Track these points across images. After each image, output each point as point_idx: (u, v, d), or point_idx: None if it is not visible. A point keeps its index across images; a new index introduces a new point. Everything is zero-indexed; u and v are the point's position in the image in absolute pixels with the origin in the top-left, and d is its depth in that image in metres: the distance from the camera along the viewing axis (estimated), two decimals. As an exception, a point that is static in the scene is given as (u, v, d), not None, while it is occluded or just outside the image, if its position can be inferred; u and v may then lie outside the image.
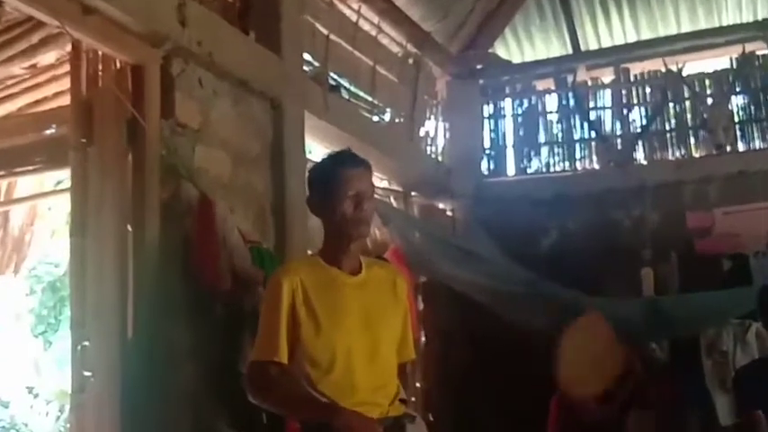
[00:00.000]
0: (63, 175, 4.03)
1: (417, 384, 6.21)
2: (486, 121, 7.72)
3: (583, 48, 7.69)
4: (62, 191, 4.25)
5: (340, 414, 2.48)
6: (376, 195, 5.83)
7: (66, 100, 3.68)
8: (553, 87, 7.62)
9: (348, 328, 2.66)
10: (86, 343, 3.24)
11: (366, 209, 2.71)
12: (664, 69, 6.98)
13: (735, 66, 6.94)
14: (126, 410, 3.18)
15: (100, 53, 3.42)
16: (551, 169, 7.47)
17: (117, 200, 3.31)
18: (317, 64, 5.15)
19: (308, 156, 4.74)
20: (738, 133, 6.84)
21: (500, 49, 7.80)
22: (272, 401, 2.66)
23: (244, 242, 3.65)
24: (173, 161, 3.48)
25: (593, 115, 7.34)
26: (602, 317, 5.12)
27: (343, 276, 2.73)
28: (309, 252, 4.41)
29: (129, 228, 3.33)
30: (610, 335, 4.96)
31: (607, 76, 7.47)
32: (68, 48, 3.53)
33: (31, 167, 4.07)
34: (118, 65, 3.43)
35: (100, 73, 3.43)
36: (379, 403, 2.65)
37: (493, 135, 7.72)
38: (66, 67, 3.69)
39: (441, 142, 7.33)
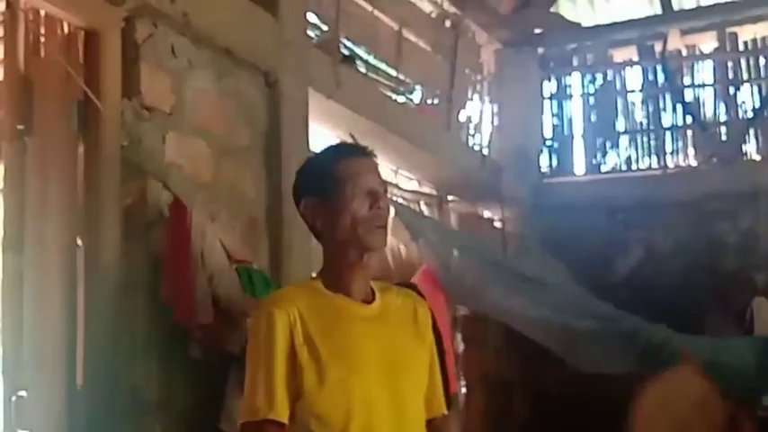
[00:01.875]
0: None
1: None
2: (547, 103, 7.72)
3: (676, 6, 7.67)
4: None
5: None
6: (402, 200, 5.92)
7: (-2, 74, 3.70)
8: (636, 58, 7.60)
9: (363, 374, 2.63)
10: (23, 393, 3.24)
11: (383, 207, 2.70)
12: (784, 35, 6.95)
13: None
14: (74, 482, 3.19)
15: (42, 13, 3.43)
16: (633, 167, 7.46)
17: (64, 205, 3.32)
18: (324, 27, 5.16)
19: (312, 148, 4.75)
20: None
21: (565, 8, 7.81)
22: None
23: (230, 261, 3.65)
24: (137, 154, 3.49)
25: (688, 95, 7.32)
26: (700, 366, 5.09)
27: (352, 306, 2.69)
28: (314, 275, 4.45)
29: (80, 242, 3.34)
30: (708, 392, 4.94)
31: (708, 43, 7.44)
32: (0, 6, 3.55)
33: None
34: (66, 29, 3.44)
35: (42, 39, 3.44)
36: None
37: (556, 121, 7.74)
38: (-1, 31, 3.72)
39: (487, 130, 7.33)
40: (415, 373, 2.73)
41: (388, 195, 2.76)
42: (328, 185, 2.68)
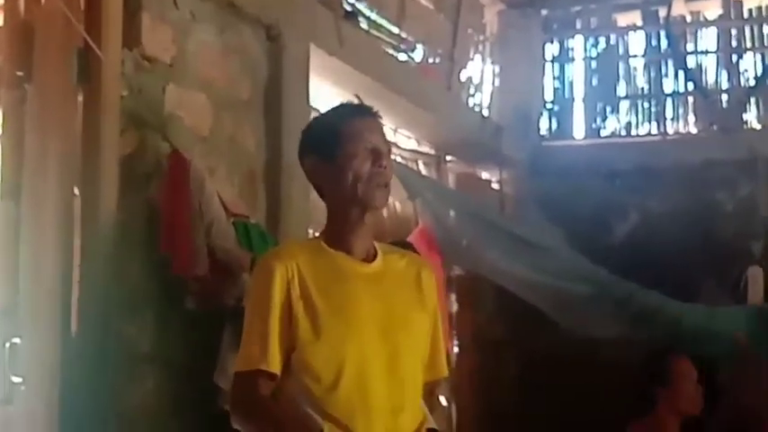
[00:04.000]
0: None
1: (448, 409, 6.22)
2: (548, 66, 7.69)
3: (681, -29, 7.62)
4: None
5: None
6: (401, 159, 5.91)
7: (-3, 20, 3.68)
8: (639, 23, 7.57)
9: (359, 331, 2.65)
10: (17, 340, 3.24)
11: (386, 166, 2.71)
12: (789, 3, 6.91)
13: None
14: (66, 428, 3.18)
15: (44, -41, 3.42)
16: (633, 132, 7.45)
17: (62, 154, 3.30)
18: (328, -17, 5.13)
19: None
20: None
21: (570, -30, 7.75)
22: (257, 429, 2.66)
23: (227, 215, 3.65)
24: (137, 105, 3.47)
25: (691, 62, 7.30)
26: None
27: (352, 264, 2.71)
28: (311, 231, 4.45)
29: (77, 191, 3.33)
30: None
31: (712, 9, 7.41)
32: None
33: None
34: (68, -25, 3.42)
35: (44, -14, 3.43)
36: (401, 430, 2.65)
37: (557, 84, 7.71)
38: (-2, -23, 3.69)
39: (488, 91, 7.31)
40: (412, 335, 2.74)
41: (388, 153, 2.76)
42: (332, 143, 2.70)
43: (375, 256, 2.76)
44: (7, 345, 3.25)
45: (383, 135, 2.77)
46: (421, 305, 2.81)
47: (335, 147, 2.69)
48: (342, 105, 2.89)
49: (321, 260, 2.70)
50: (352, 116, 2.76)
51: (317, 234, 2.87)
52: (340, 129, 2.71)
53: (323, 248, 2.72)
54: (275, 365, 2.62)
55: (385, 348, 2.66)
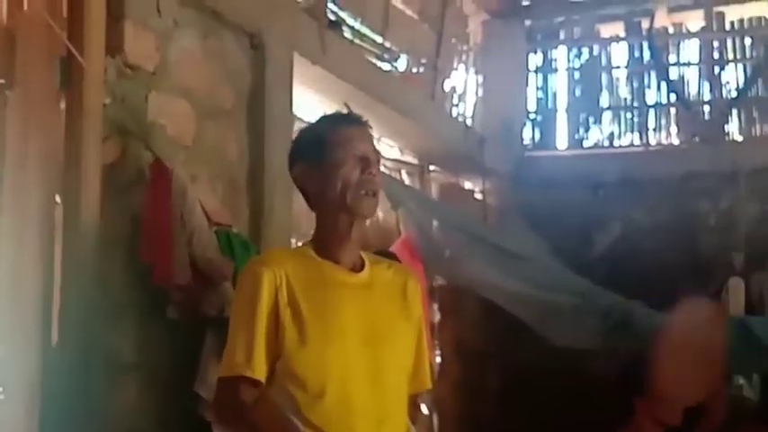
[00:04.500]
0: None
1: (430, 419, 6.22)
2: (532, 76, 7.71)
3: (664, -17, 7.66)
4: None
5: None
6: (384, 168, 5.90)
7: (-21, 27, 3.66)
8: (623, 34, 7.60)
9: (343, 340, 2.65)
10: (-4, 349, 3.24)
11: (375, 174, 2.71)
12: (770, 16, 6.94)
13: None
14: (46, 440, 3.18)
15: (27, -35, 3.40)
16: (616, 143, 7.47)
17: (44, 162, 3.28)
18: (312, -9, 5.13)
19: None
20: None
21: (554, -19, 7.78)
22: None
23: (209, 224, 3.64)
24: (119, 113, 3.46)
25: (673, 73, 7.33)
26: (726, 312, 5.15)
27: (340, 273, 2.72)
28: (294, 241, 4.45)
29: (58, 199, 3.31)
30: (721, 338, 4.97)
31: (695, 21, 7.44)
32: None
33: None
34: (50, -18, 3.41)
35: (26, -7, 3.41)
36: (383, 443, 2.65)
37: (540, 94, 7.74)
38: (-19, -16, 3.67)
39: (471, 101, 7.32)
40: (396, 346, 2.75)
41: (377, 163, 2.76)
42: (321, 151, 2.71)
43: (362, 266, 2.77)
44: (-14, 354, 3.23)
45: (372, 144, 2.78)
46: (406, 316, 2.81)
47: (324, 154, 2.70)
48: (332, 114, 2.91)
49: (309, 268, 2.70)
50: (342, 124, 2.77)
51: (301, 243, 2.87)
52: (329, 136, 2.72)
53: (311, 257, 2.73)
54: (259, 372, 2.61)
55: (369, 358, 2.66)
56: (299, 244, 3.10)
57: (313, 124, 2.90)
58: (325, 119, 2.89)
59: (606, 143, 7.52)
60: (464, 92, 7.24)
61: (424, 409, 5.96)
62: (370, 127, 2.82)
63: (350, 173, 2.67)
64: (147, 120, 3.60)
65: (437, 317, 6.37)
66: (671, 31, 7.46)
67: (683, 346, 4.92)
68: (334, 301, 2.67)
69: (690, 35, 7.46)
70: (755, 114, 7.12)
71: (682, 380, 4.87)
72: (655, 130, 7.42)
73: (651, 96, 7.47)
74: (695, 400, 4.99)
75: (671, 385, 4.86)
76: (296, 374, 2.60)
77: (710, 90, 7.32)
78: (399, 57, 6.29)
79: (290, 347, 2.61)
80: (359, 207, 2.69)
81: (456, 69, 7.12)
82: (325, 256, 2.72)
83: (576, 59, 7.75)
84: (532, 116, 7.68)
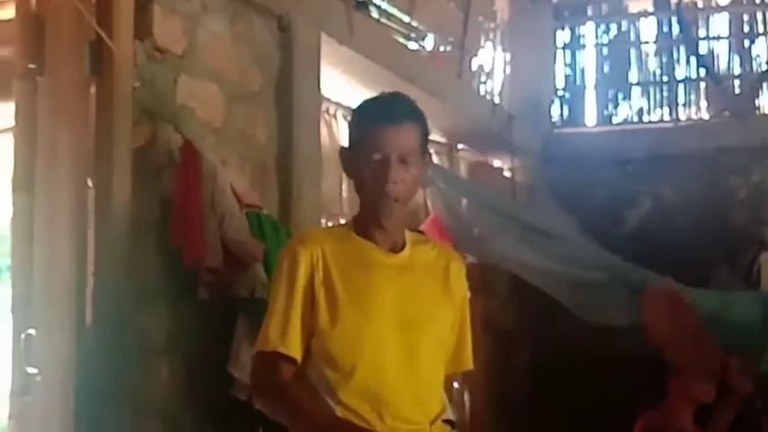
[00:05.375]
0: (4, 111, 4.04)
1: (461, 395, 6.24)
2: (560, 53, 7.68)
3: (693, -43, 7.60)
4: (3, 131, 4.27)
5: None
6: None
7: (10, 13, 3.69)
8: (651, 9, 7.55)
9: (377, 321, 2.65)
10: (32, 331, 3.26)
11: (395, 182, 2.67)
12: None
13: None
14: (81, 419, 3.20)
15: (55, -49, 3.42)
16: (645, 119, 7.43)
17: (75, 146, 3.32)
18: (339, -28, 5.12)
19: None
20: None
21: (582, -43, 7.73)
22: (280, 414, 2.67)
23: (240, 206, 3.65)
24: (149, 97, 3.47)
25: (703, 48, 7.27)
26: (673, 288, 5.16)
27: (378, 254, 2.71)
28: (324, 221, 4.46)
29: (90, 183, 3.34)
30: (693, 321, 4.97)
31: (724, -6, 7.38)
32: (14, -57, 3.53)
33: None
34: (79, -32, 3.42)
35: (55, -23, 3.44)
36: (417, 421, 2.66)
37: (569, 71, 7.70)
38: (11, -31, 3.70)
39: (499, 79, 7.30)
40: (433, 327, 2.74)
41: (410, 162, 2.66)
42: (354, 143, 2.71)
43: (403, 246, 2.77)
44: (23, 336, 3.27)
45: (409, 141, 2.68)
46: (447, 297, 2.81)
47: (356, 148, 2.70)
48: (371, 102, 2.78)
49: (347, 248, 2.71)
50: (375, 120, 2.67)
51: (335, 223, 2.88)
52: (360, 131, 2.70)
53: (350, 236, 2.73)
54: (293, 349, 2.63)
55: (404, 340, 2.67)
56: (330, 225, 3.09)
57: (356, 109, 2.84)
58: (366, 105, 2.79)
59: (635, 119, 7.49)
60: (492, 70, 7.21)
61: (456, 385, 5.98)
62: (417, 117, 2.74)
63: (366, 178, 2.65)
64: (176, 103, 3.61)
65: (467, 296, 6.37)
66: (700, 5, 7.41)
67: (670, 336, 4.93)
68: (371, 281, 2.68)
69: (719, 9, 7.42)
70: (787, 88, 7.07)
71: (690, 359, 4.87)
72: (684, 105, 7.38)
73: (680, 71, 7.42)
74: (711, 375, 5.00)
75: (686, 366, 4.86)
76: (328, 353, 2.63)
77: (740, 64, 7.27)
78: (426, 36, 6.27)
79: (323, 326, 2.63)
80: (372, 211, 2.69)
81: (483, 47, 7.09)
82: (365, 236, 2.72)
83: (605, 35, 7.71)
84: (560, 93, 7.66)
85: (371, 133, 2.66)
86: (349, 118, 2.85)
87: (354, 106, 2.87)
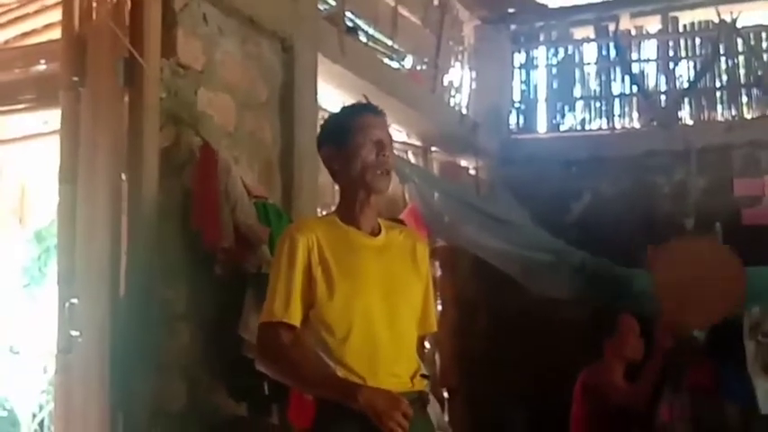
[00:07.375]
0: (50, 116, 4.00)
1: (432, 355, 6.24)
2: (516, 72, 7.67)
3: (627, -8, 7.58)
4: (51, 132, 4.23)
5: (361, 392, 2.49)
6: (393, 150, 5.88)
7: (56, 34, 3.65)
8: (593, 36, 7.54)
9: (366, 292, 2.68)
10: (74, 300, 3.26)
11: (389, 156, 2.73)
12: (716, 20, 6.84)
13: (796, 18, 6.85)
14: (116, 374, 3.20)
15: (95, -18, 3.39)
16: (587, 127, 7.43)
17: (111, 146, 3.30)
18: (332, 2, 5.10)
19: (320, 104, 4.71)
20: (797, 94, 6.77)
21: (534, -9, 7.71)
22: (283, 373, 2.67)
23: (249, 196, 3.64)
24: (173, 105, 3.46)
25: (635, 68, 7.28)
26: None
27: (361, 237, 2.74)
28: (319, 210, 4.45)
29: (124, 177, 3.33)
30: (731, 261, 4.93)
31: (653, 24, 7.39)
32: (60, -23, 3.50)
33: (17, 106, 4.05)
34: (115, -3, 3.40)
35: (95, 5, 3.40)
36: (400, 375, 2.67)
37: (524, 87, 7.68)
38: (58, -3, 3.67)
39: (466, 93, 7.28)
40: (408, 297, 2.78)
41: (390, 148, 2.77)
42: (343, 136, 2.72)
43: (380, 231, 2.78)
44: (67, 304, 3.28)
45: (386, 129, 2.80)
46: (416, 272, 2.83)
47: (347, 138, 2.71)
48: (352, 104, 2.93)
49: (336, 233, 2.73)
50: (361, 113, 2.79)
51: (328, 211, 2.89)
52: (350, 123, 2.74)
53: (337, 224, 2.76)
54: (295, 319, 2.64)
55: (387, 308, 2.69)
56: (324, 213, 3.10)
57: (337, 113, 2.90)
58: (346, 109, 2.92)
59: (579, 127, 7.46)
60: (460, 85, 7.19)
61: (427, 346, 5.99)
62: (385, 115, 2.83)
63: (368, 155, 2.69)
64: (196, 111, 3.60)
65: (438, 272, 6.37)
66: (633, 32, 7.39)
67: (689, 278, 4.87)
68: (358, 260, 2.70)
69: (649, 36, 7.40)
70: (704, 102, 7.05)
71: (690, 308, 4.84)
72: (619, 115, 7.35)
73: (616, 88, 7.40)
74: (704, 326, 4.98)
75: (678, 314, 4.82)
76: (326, 322, 2.63)
77: (666, 82, 7.25)
78: (406, 56, 6.26)
79: (321, 299, 2.64)
80: (376, 184, 2.72)
81: (453, 67, 7.07)
82: (349, 222, 2.75)
83: (554, 57, 7.67)
84: (517, 105, 7.62)
85: (363, 122, 2.74)
86: (327, 125, 2.85)
87: (332, 114, 2.92)
